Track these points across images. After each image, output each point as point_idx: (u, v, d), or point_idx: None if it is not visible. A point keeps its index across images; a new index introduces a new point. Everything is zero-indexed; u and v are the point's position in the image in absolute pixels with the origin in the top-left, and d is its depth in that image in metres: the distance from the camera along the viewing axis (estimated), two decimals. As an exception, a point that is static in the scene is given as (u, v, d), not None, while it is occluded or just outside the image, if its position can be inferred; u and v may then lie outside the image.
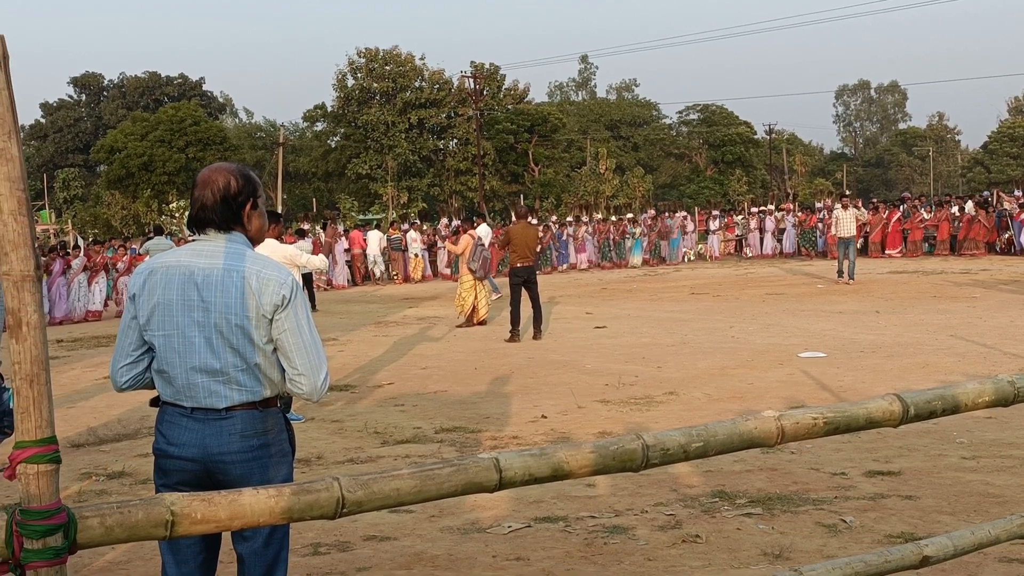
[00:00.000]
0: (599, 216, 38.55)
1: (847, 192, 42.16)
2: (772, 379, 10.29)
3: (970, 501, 5.69)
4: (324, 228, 30.72)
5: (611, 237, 34.27)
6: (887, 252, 30.96)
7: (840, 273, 22.13)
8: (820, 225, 32.55)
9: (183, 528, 2.06)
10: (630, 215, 36.54)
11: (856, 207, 23.28)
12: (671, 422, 8.22)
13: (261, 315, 3.11)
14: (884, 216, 31.78)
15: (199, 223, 3.23)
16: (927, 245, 30.69)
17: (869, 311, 16.44)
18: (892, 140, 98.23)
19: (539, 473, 2.42)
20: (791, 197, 67.50)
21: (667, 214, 36.29)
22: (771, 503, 5.81)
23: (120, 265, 24.28)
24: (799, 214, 35.41)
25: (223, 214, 3.20)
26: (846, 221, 21.99)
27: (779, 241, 34.99)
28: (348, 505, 2.16)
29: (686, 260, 34.97)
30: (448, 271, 30.34)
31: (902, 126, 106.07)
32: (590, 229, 34.68)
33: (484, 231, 23.94)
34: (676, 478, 6.44)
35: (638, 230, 34.16)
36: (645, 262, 33.77)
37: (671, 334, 14.54)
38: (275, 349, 3.15)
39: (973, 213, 29.82)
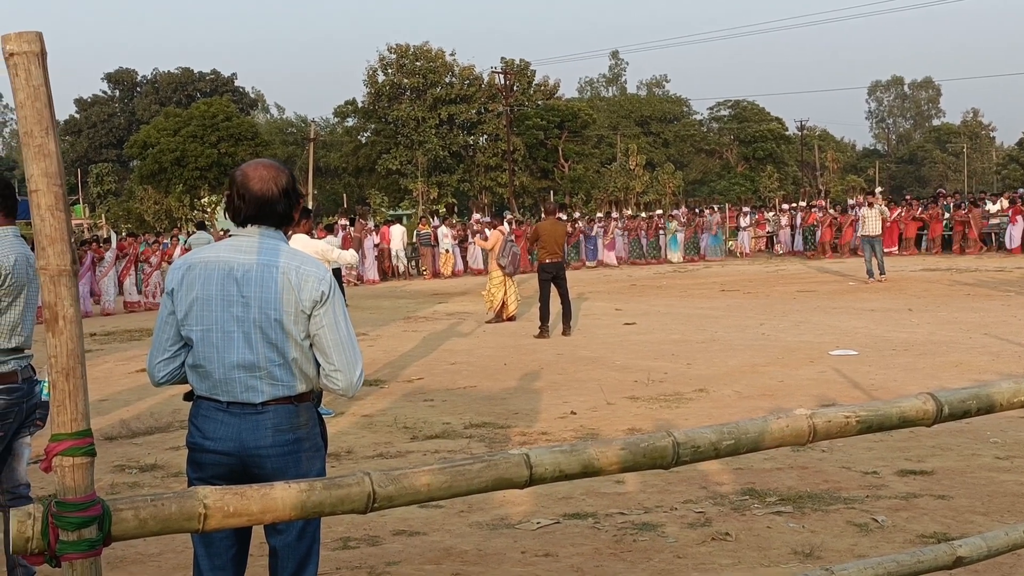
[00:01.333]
0: (628, 212, 38.39)
1: (877, 189, 41.74)
2: (803, 377, 10.23)
3: (1004, 501, 5.63)
4: (352, 223, 30.79)
5: (644, 233, 34.16)
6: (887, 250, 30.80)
7: (870, 273, 21.77)
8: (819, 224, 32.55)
9: (216, 521, 2.07)
10: (659, 211, 36.33)
11: (880, 204, 22.88)
12: (700, 419, 8.19)
13: (300, 311, 3.13)
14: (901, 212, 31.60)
15: (248, 218, 3.24)
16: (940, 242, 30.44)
17: (901, 309, 16.30)
18: (925, 137, 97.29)
19: (569, 470, 2.42)
20: (823, 194, 66.98)
21: (708, 209, 36.08)
22: (802, 501, 5.78)
23: (153, 259, 24.50)
24: (832, 211, 35.13)
25: (285, 209, 3.24)
26: (872, 219, 21.64)
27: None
28: (379, 500, 2.16)
29: (726, 254, 34.88)
30: (479, 265, 30.33)
31: (936, 122, 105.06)
32: (620, 225, 34.58)
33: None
34: (706, 475, 6.42)
35: (674, 224, 33.99)
36: (686, 259, 33.64)
37: (701, 331, 14.48)
38: (311, 345, 3.18)
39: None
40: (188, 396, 3.30)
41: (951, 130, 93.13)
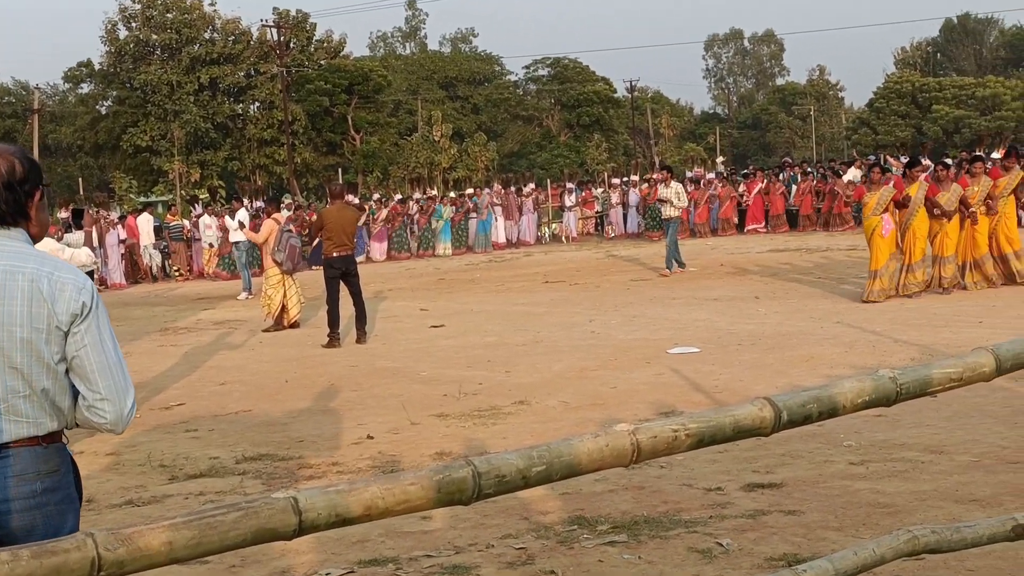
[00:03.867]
0: (433, 192, 38.52)
1: (719, 158, 43.38)
2: (638, 381, 10.53)
3: (859, 513, 5.95)
4: (78, 215, 29.66)
5: (415, 220, 34.13)
6: (749, 228, 32.14)
7: (678, 263, 21.79)
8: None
9: None
10: (469, 191, 36.57)
11: (675, 182, 22.77)
12: (521, 438, 8.31)
13: (55, 327, 2.99)
14: (741, 188, 32.96)
15: None
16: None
17: (747, 297, 17.01)
18: (769, 98, 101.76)
19: (348, 513, 2.39)
20: (658, 165, 69.11)
21: (510, 189, 36.43)
22: (637, 528, 5.94)
23: None
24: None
25: (9, 205, 3.07)
26: (673, 199, 21.68)
27: (644, 217, 35.74)
28: (106, 567, 2.07)
29: (546, 240, 35.39)
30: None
31: (780, 81, 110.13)
32: (389, 212, 34.66)
33: (244, 215, 23.71)
34: (527, 504, 6.51)
35: (447, 210, 34.06)
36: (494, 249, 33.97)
37: (521, 331, 14.69)
38: (67, 370, 3.04)
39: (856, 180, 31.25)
40: None
41: (796, 90, 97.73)
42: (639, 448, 2.80)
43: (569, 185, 38.39)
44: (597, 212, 38.26)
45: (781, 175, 33.85)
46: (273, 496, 2.32)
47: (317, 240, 16.32)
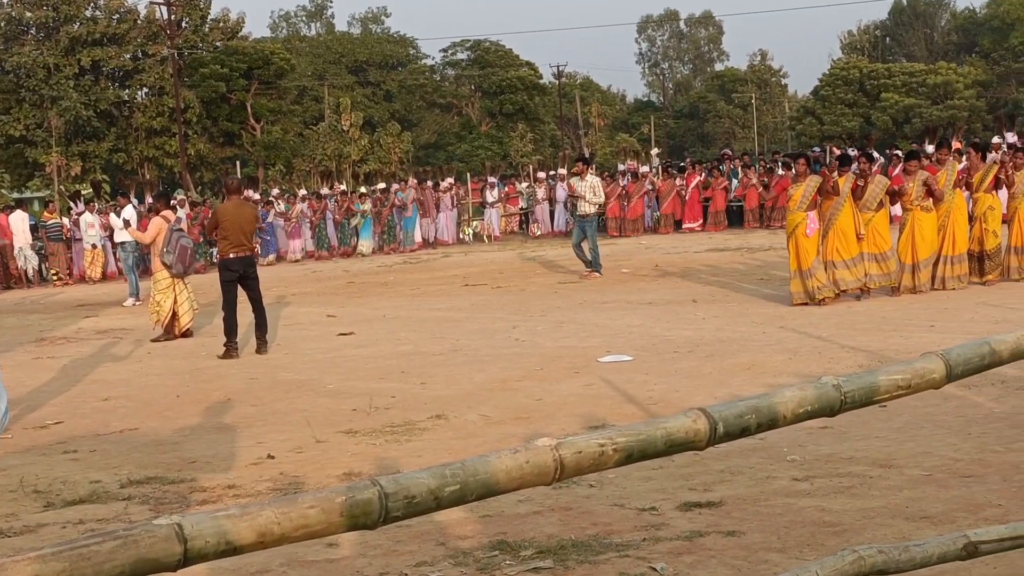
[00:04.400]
0: (341, 187, 38.35)
1: (654, 150, 43.72)
2: (566, 392, 10.56)
3: (803, 533, 6.01)
4: None
5: (332, 217, 34.17)
6: (685, 226, 32.45)
7: (587, 263, 21.67)
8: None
9: None
10: (381, 185, 36.44)
11: (592, 175, 22.73)
12: (438, 455, 8.28)
13: None
14: (678, 182, 33.28)
15: None
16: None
17: (684, 300, 17.16)
18: (707, 85, 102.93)
19: (240, 540, 2.35)
20: (588, 158, 69.48)
21: (426, 184, 36.41)
22: (564, 552, 5.94)
23: None
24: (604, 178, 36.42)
25: None
26: (589, 195, 21.59)
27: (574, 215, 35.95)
28: (-36, 605, 2.02)
29: (466, 240, 35.40)
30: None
31: (719, 67, 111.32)
32: (306, 208, 34.56)
33: (130, 213, 23.46)
34: (444, 528, 6.49)
35: (366, 205, 34.02)
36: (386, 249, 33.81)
37: (438, 339, 14.67)
38: None
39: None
40: None
41: (737, 76, 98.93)
42: (562, 464, 2.79)
43: (491, 179, 38.47)
44: (521, 209, 38.34)
45: (721, 168, 34.16)
46: (155, 523, 2.28)
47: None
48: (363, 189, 35.72)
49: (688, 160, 41.25)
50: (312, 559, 6.11)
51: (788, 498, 6.72)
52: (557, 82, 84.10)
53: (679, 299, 17.32)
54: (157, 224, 16.28)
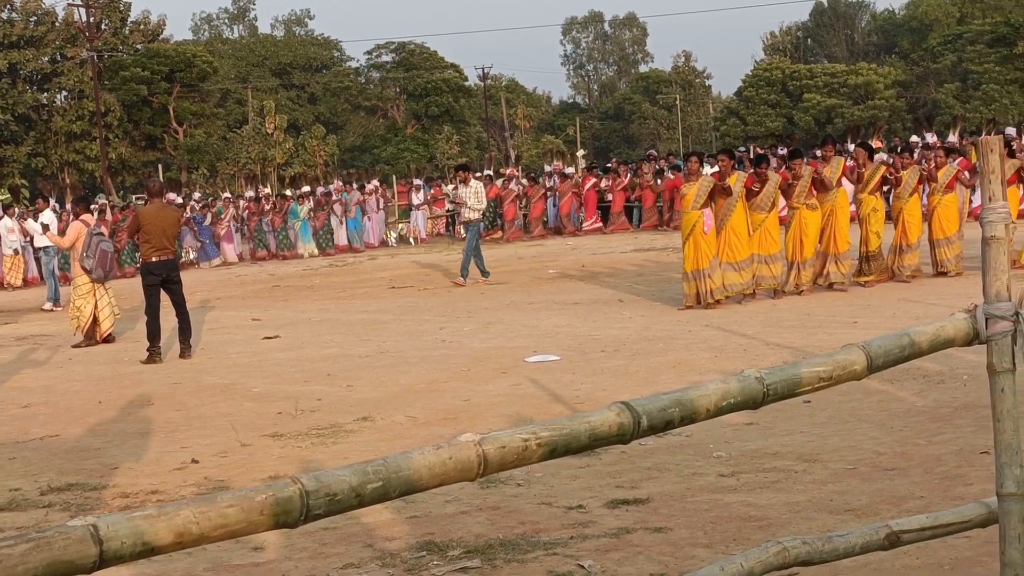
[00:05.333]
0: (266, 191, 38.09)
1: (579, 151, 43.86)
2: (494, 392, 10.55)
3: (729, 528, 6.06)
4: None
5: (268, 220, 33.98)
6: (584, 228, 32.68)
7: (485, 272, 21.34)
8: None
9: None
10: (306, 188, 36.21)
11: (476, 181, 22.53)
12: (364, 457, 8.22)
13: None
14: (604, 184, 33.56)
15: None
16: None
17: (611, 300, 17.22)
18: (632, 86, 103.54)
19: (157, 541, 2.32)
20: (514, 160, 69.65)
21: (351, 186, 36.28)
22: (492, 552, 5.93)
23: None
24: (524, 182, 36.51)
25: None
26: (471, 201, 21.46)
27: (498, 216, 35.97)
28: None
29: (392, 243, 35.31)
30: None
31: (643, 68, 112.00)
32: (240, 211, 34.31)
33: (48, 217, 23.12)
34: (371, 529, 6.46)
35: (304, 208, 33.86)
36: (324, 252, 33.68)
37: (365, 341, 14.61)
38: None
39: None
40: None
41: (661, 77, 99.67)
42: (486, 460, 2.78)
43: (417, 182, 38.35)
44: (448, 211, 38.29)
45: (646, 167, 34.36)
46: (69, 524, 2.24)
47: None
48: (305, 188, 35.41)
49: (614, 161, 41.40)
50: (237, 563, 6.05)
51: (714, 494, 6.76)
52: (482, 84, 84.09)
53: (605, 299, 17.38)
54: (76, 228, 16.03)
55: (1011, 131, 28.97)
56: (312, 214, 33.79)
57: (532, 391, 10.47)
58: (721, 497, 6.67)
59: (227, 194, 37.14)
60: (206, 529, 2.39)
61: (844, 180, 16.49)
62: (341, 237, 34.00)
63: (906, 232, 16.57)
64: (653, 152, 44.05)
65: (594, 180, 33.56)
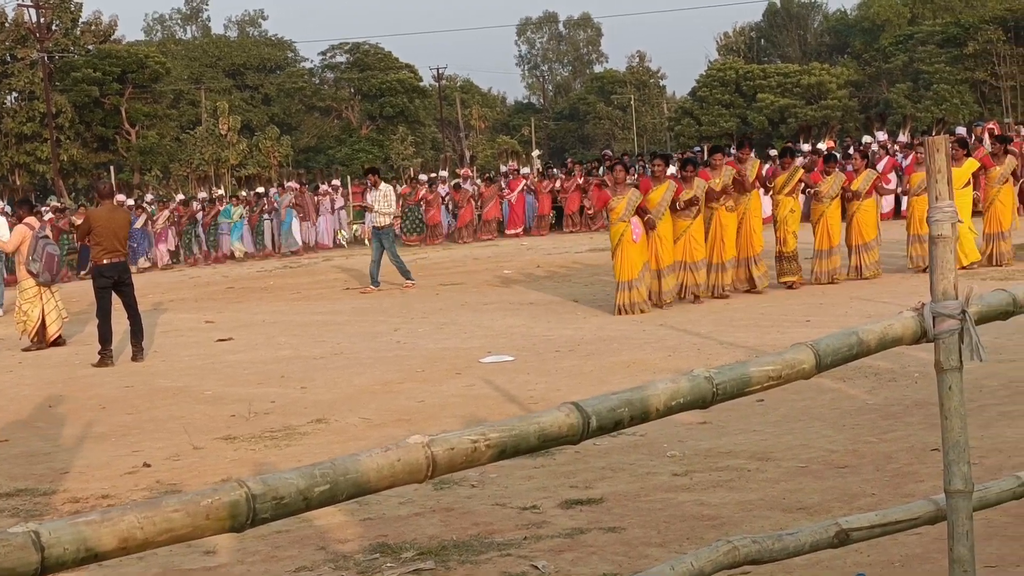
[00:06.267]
0: (219, 192, 37.90)
1: (535, 152, 43.84)
2: (448, 393, 10.55)
3: (682, 527, 6.08)
4: None
5: (200, 221, 33.89)
6: (508, 232, 32.75)
7: (375, 281, 20.89)
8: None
9: None
10: (260, 189, 36.04)
11: (387, 185, 22.13)
12: (318, 459, 8.17)
13: None
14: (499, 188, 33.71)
15: None
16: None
17: (566, 299, 17.23)
18: (587, 86, 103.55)
19: (100, 546, 2.29)
20: (469, 160, 69.65)
21: (304, 187, 36.16)
22: (446, 553, 5.93)
23: None
24: (479, 183, 36.49)
25: None
26: (379, 205, 21.03)
27: (455, 217, 35.91)
28: None
29: (343, 243, 35.18)
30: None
31: (597, 69, 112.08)
32: (172, 212, 34.15)
33: None
34: (324, 532, 6.43)
35: (238, 211, 33.66)
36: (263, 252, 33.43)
37: (319, 343, 14.57)
38: None
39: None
40: None
41: (616, 78, 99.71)
42: (434, 461, 2.78)
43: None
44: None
45: (601, 169, 34.43)
46: (10, 531, 2.21)
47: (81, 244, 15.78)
48: (243, 192, 35.25)
49: (570, 161, 41.45)
50: (189, 567, 6.01)
51: (668, 493, 6.78)
52: (437, 85, 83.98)
53: (560, 299, 17.40)
54: (20, 232, 15.85)
55: (961, 130, 29.22)
56: (244, 216, 33.64)
57: (486, 392, 10.48)
58: (674, 496, 6.70)
59: (180, 197, 36.94)
60: (151, 534, 2.37)
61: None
62: (271, 239, 33.91)
63: (829, 236, 16.46)
64: (608, 152, 44.08)
65: (523, 183, 33.77)
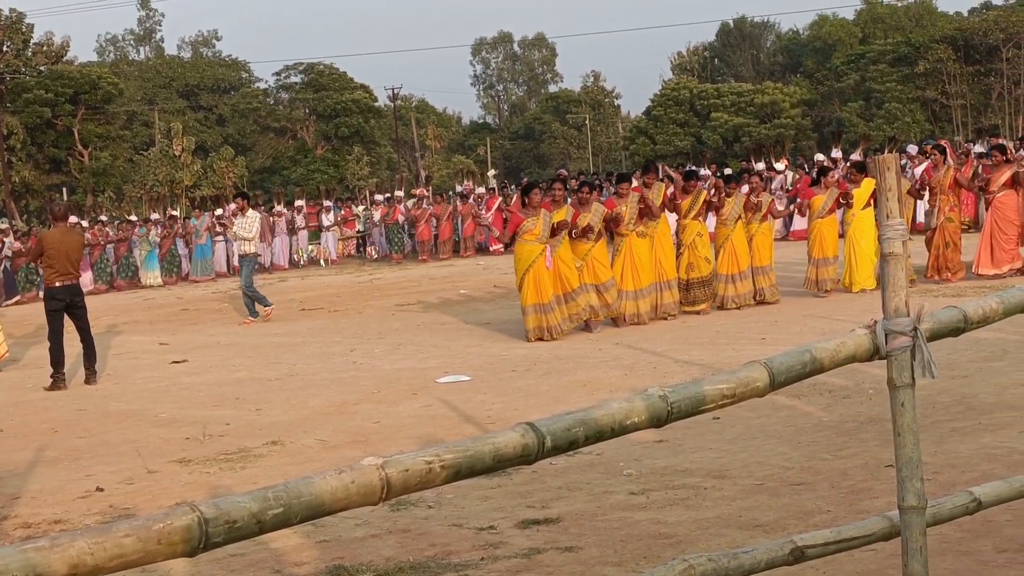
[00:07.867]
0: (174, 212, 37.66)
1: (490, 172, 43.75)
2: (404, 414, 10.53)
3: (638, 546, 6.08)
4: None
5: (114, 247, 33.40)
6: (441, 256, 32.78)
7: (253, 312, 20.00)
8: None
9: None
10: (219, 211, 35.78)
11: (253, 211, 20.99)
12: (274, 481, 8.13)
13: None
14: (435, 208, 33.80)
15: None
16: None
17: (521, 319, 17.19)
18: (542, 106, 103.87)
19: (51, 573, 2.26)
20: (424, 180, 69.62)
21: (260, 208, 35.91)
22: (403, 575, 5.90)
23: None
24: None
25: None
26: (242, 231, 20.02)
27: (411, 236, 35.89)
28: None
29: (301, 261, 35.06)
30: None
31: (552, 88, 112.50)
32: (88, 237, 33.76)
33: None
34: (280, 555, 6.39)
35: (152, 234, 33.23)
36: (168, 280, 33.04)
37: (274, 364, 14.50)
38: None
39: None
40: None
41: (571, 97, 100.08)
42: (389, 483, 2.76)
43: (327, 203, 38.12)
44: (358, 232, 38.13)
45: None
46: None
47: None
48: (218, 212, 34.71)
49: (525, 180, 41.52)
50: (142, 593, 5.93)
51: (625, 512, 6.78)
52: (392, 105, 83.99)
53: (516, 318, 17.37)
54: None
55: (912, 149, 29.50)
56: (159, 241, 33.23)
57: (443, 412, 10.46)
58: (631, 515, 6.70)
59: (133, 216, 36.60)
60: (101, 560, 2.34)
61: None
62: (188, 264, 33.61)
63: (737, 260, 16.30)
64: (563, 171, 44.19)
65: (450, 210, 33.95)
